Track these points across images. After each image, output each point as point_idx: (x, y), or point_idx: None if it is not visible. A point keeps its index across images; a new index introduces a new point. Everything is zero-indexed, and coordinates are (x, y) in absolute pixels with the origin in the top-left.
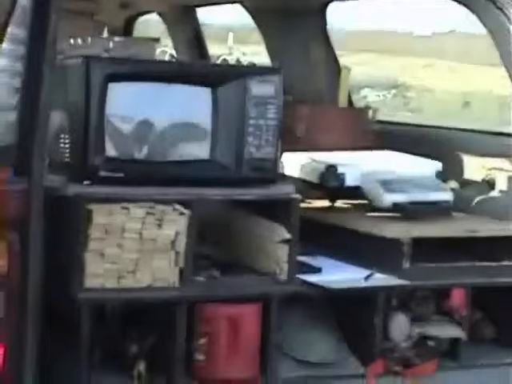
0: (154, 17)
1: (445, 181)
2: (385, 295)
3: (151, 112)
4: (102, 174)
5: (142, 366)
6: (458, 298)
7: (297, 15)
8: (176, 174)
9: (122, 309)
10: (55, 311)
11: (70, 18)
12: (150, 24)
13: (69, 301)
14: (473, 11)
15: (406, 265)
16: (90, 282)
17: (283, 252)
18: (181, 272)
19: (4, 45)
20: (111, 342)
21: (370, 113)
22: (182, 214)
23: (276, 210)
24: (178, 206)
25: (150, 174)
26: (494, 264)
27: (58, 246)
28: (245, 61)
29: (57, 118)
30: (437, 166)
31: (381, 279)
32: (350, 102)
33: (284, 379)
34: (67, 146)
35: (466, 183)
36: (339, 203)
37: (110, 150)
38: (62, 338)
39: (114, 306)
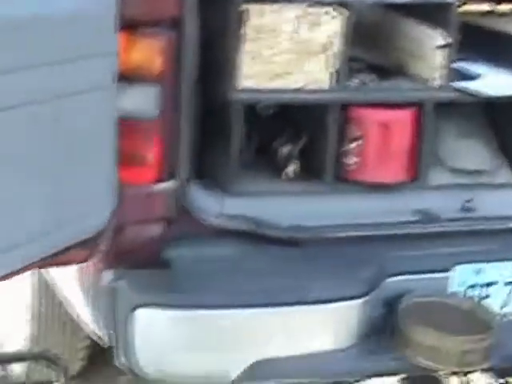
0: None
1: None
2: None
3: None
4: None
5: (293, 167)
6: None
7: None
8: None
9: (275, 110)
10: (208, 110)
11: None
12: None
13: (222, 101)
14: None
15: None
16: (243, 82)
17: (440, 57)
18: (334, 75)
19: None
20: (263, 143)
21: None
22: (336, 16)
23: (434, 14)
24: (332, 9)
25: None
26: None
27: (213, 47)
28: None
29: None
30: None
31: None
32: None
33: (436, 186)
34: None
35: None
36: (502, 7)
37: None
38: (216, 136)
39: (266, 106)
